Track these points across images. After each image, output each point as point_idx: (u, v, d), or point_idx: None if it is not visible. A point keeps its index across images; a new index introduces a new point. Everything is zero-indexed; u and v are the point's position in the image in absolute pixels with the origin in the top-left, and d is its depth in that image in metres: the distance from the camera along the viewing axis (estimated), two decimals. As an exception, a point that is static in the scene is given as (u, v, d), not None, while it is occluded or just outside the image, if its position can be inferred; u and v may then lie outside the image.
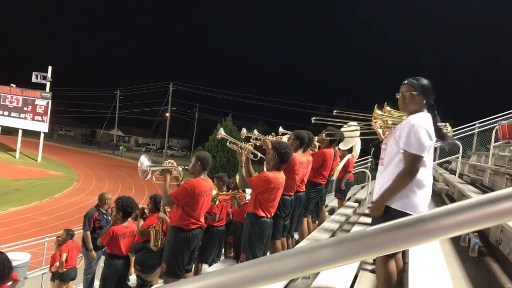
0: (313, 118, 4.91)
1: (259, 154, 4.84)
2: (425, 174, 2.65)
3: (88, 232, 6.49)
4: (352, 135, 5.89)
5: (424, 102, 2.73)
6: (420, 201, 2.64)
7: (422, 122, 2.61)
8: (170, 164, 4.64)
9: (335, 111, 4.47)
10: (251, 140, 4.88)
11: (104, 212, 6.64)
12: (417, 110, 2.73)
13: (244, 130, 5.09)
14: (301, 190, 5.04)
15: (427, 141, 2.58)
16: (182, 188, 4.18)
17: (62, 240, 6.74)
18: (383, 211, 2.69)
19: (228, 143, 4.62)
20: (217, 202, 5.19)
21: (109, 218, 6.57)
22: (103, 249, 6.30)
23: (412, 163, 2.57)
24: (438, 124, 2.75)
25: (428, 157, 2.66)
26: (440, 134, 2.72)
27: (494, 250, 4.06)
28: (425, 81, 2.76)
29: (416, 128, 2.57)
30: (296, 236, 5.62)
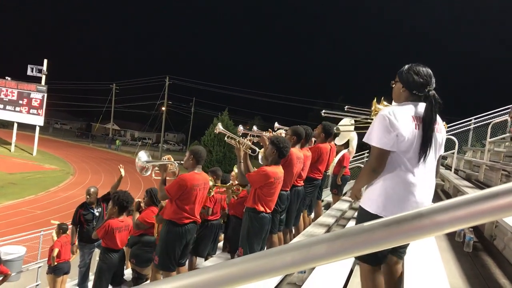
0: (323, 111, 4.93)
1: (257, 150, 4.82)
2: (409, 175, 2.18)
3: (73, 227, 6.62)
4: (346, 130, 5.88)
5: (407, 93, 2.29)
6: (389, 205, 2.20)
7: (388, 110, 2.20)
8: (167, 160, 4.66)
9: (346, 106, 4.47)
10: (249, 137, 4.87)
11: (91, 206, 6.67)
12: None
13: (241, 127, 5.06)
14: (299, 185, 5.05)
15: (386, 132, 2.14)
16: (175, 182, 4.22)
17: (57, 234, 6.76)
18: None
19: (226, 138, 4.59)
20: (212, 193, 5.17)
21: (96, 212, 6.62)
22: (97, 242, 6.32)
23: (374, 157, 2.20)
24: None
25: (411, 154, 2.17)
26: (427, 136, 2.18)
27: (488, 245, 4.10)
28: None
29: (377, 117, 2.19)
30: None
